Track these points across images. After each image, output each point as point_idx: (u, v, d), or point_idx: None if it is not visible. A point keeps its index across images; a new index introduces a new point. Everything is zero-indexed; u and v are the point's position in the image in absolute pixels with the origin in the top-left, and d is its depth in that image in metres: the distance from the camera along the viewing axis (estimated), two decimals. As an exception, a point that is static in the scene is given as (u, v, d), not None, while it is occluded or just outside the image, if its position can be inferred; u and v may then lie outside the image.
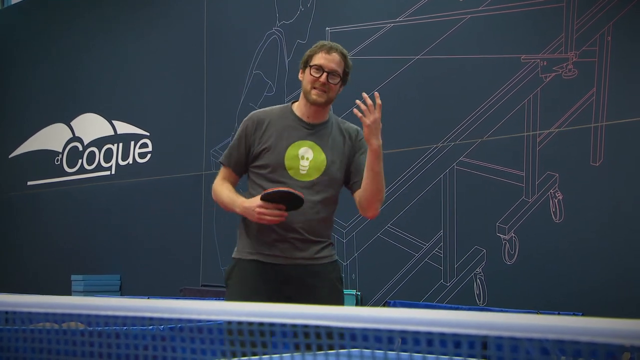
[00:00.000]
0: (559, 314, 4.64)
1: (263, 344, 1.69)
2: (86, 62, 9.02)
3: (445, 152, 5.83)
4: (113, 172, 8.58)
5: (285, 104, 3.22)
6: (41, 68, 9.57)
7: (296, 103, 3.18)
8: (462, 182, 5.72)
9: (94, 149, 8.81)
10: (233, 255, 3.13)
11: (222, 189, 3.13)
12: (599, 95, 5.11)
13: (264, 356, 1.80)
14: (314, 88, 3.06)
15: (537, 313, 4.65)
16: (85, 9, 9.14)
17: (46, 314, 1.94)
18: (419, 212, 5.95)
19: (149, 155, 8.24)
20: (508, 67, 5.54)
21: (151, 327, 1.93)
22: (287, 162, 3.04)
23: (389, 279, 6.04)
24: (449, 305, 5.48)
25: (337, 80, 3.07)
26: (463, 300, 5.54)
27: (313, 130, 3.11)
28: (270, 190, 2.92)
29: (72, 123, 9.09)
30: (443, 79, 5.92)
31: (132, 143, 8.40)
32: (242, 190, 3.17)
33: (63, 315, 1.94)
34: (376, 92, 2.97)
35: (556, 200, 5.23)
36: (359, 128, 3.21)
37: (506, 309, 4.89)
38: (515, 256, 5.39)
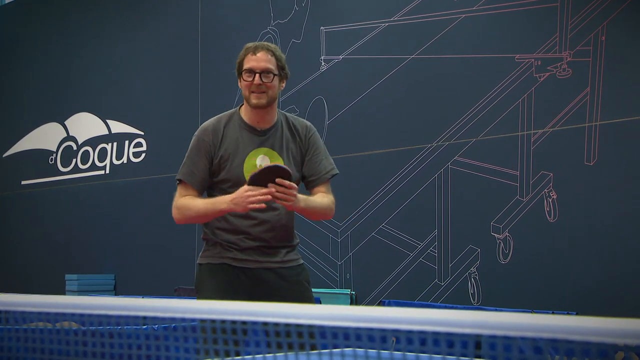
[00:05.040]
0: (553, 313, 4.65)
1: (256, 344, 1.69)
2: (80, 61, 9.00)
3: (440, 152, 5.83)
4: (107, 171, 8.56)
5: (233, 110, 3.15)
6: (35, 67, 9.55)
7: (243, 107, 3.14)
8: (457, 181, 5.73)
9: (88, 148, 8.80)
10: (200, 261, 3.10)
11: (191, 200, 3.02)
12: (593, 94, 5.12)
13: (257, 355, 1.81)
14: (252, 92, 3.02)
15: (531, 312, 4.66)
16: (79, 8, 9.12)
17: (40, 314, 1.94)
18: (414, 211, 5.95)
19: (143, 155, 8.23)
20: (502, 66, 5.54)
21: (145, 326, 1.93)
22: (246, 175, 3.00)
23: (383, 278, 6.04)
24: (444, 305, 5.49)
25: (272, 77, 3.02)
26: (457, 300, 5.54)
27: (266, 136, 3.07)
28: (256, 171, 2.84)
29: (67, 122, 9.08)
30: (437, 79, 5.93)
31: (127, 142, 8.39)
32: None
33: (57, 314, 1.93)
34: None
35: (550, 200, 5.24)
36: (308, 124, 3.21)
37: (500, 308, 4.90)
38: (510, 255, 5.40)
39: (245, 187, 2.83)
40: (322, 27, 6.69)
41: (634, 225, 4.89)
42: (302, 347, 1.56)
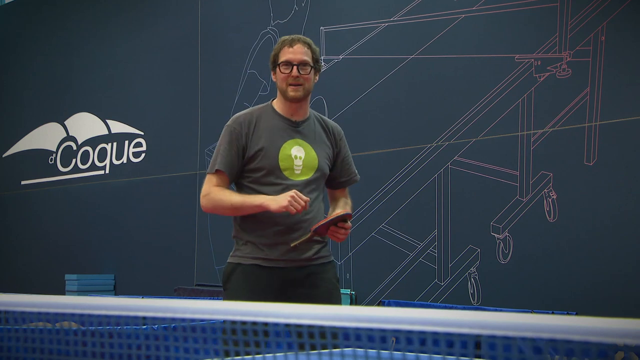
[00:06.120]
0: (552, 313, 4.65)
1: (257, 344, 1.69)
2: (80, 61, 9.00)
3: (440, 152, 5.83)
4: (107, 171, 8.56)
5: (266, 103, 3.18)
6: (35, 67, 9.55)
7: (275, 101, 3.16)
8: (457, 181, 5.73)
9: (88, 148, 8.80)
10: (230, 260, 3.10)
11: (226, 192, 3.01)
12: (592, 94, 5.12)
13: (257, 356, 1.81)
14: (289, 85, 3.05)
15: (531, 312, 4.66)
16: (79, 8, 9.12)
17: (40, 314, 1.94)
18: (414, 211, 5.95)
19: (143, 155, 8.23)
20: (502, 66, 5.54)
21: (145, 326, 1.93)
22: (281, 164, 3.02)
23: (383, 278, 6.04)
24: (444, 305, 5.49)
25: (309, 69, 3.06)
26: (457, 300, 5.54)
27: (300, 128, 3.11)
28: (319, 224, 2.95)
29: (66, 122, 9.08)
30: (437, 79, 5.93)
31: (126, 142, 8.39)
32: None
33: (57, 314, 1.93)
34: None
35: (550, 200, 5.24)
36: (338, 126, 3.27)
37: (500, 309, 4.90)
38: (510, 255, 5.40)
39: (293, 191, 2.90)
40: (321, 27, 6.69)
41: (634, 225, 4.89)
42: (301, 347, 1.56)
